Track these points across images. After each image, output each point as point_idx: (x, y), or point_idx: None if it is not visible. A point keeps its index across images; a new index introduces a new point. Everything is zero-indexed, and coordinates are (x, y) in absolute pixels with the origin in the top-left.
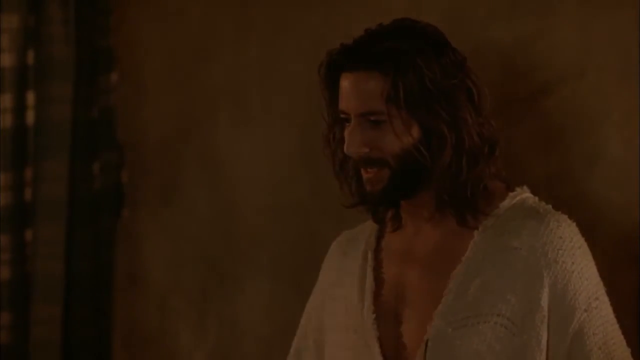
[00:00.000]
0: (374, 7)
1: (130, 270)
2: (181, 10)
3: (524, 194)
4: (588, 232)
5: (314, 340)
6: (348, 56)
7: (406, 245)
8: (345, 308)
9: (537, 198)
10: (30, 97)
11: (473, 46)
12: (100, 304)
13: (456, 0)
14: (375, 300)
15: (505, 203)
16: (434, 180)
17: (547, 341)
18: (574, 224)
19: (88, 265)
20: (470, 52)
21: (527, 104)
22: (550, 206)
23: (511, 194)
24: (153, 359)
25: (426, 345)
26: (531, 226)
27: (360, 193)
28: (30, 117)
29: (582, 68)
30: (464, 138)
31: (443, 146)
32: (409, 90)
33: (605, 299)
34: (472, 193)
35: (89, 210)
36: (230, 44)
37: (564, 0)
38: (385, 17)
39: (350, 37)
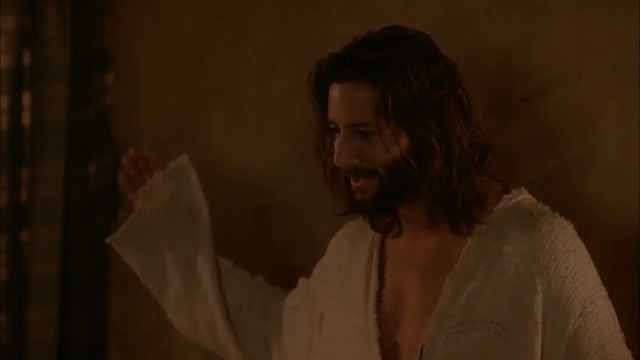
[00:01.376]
0: (370, 8)
1: (126, 271)
2: (177, 12)
3: (520, 196)
4: (584, 234)
5: (307, 305)
6: (337, 66)
7: (406, 250)
8: (354, 304)
9: (534, 199)
10: (26, 98)
11: (468, 47)
12: (96, 305)
13: (452, 1)
14: (377, 301)
15: (500, 206)
16: (424, 190)
17: (542, 347)
18: (570, 225)
19: (84, 266)
20: (466, 53)
21: (523, 105)
22: (547, 207)
23: (506, 196)
24: (149, 359)
25: (421, 352)
26: (523, 231)
27: (351, 202)
28: (26, 118)
29: (577, 69)
30: (454, 148)
31: (432, 157)
32: (398, 101)
33: (603, 302)
34: (463, 202)
35: (85, 211)
36: (226, 45)
37: (560, 1)
38: (381, 18)
39: (346, 38)
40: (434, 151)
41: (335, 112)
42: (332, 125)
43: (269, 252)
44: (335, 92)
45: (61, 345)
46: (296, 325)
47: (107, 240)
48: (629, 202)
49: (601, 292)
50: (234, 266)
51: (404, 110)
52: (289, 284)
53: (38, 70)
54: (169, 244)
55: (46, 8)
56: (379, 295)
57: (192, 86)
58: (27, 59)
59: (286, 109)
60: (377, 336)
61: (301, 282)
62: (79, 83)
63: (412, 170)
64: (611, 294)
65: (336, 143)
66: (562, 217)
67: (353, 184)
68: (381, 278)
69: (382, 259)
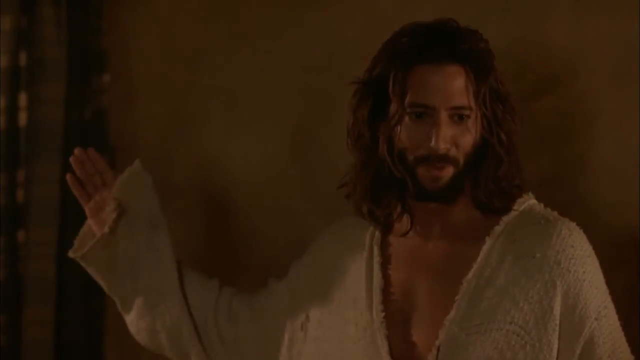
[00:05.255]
0: (367, 9)
1: None
2: (173, 12)
3: (530, 201)
4: None
5: (286, 305)
6: (433, 49)
7: (415, 249)
8: (350, 303)
9: (541, 205)
10: (23, 99)
11: None
12: (93, 306)
13: (449, 2)
14: (384, 299)
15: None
16: (481, 182)
17: (557, 349)
18: (582, 231)
19: (80, 267)
20: None
21: (520, 105)
22: (556, 213)
23: (519, 200)
24: None
25: (438, 350)
26: (544, 234)
27: (419, 187)
28: (22, 118)
29: (574, 69)
30: (513, 142)
31: (512, 146)
32: (489, 89)
33: (611, 306)
34: (511, 196)
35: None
36: (223, 46)
37: (557, 2)
38: (378, 19)
39: (344, 39)
40: (505, 142)
41: (434, 94)
42: (416, 109)
43: (266, 251)
44: (432, 74)
45: (58, 345)
46: (273, 327)
47: (70, 254)
48: (626, 202)
49: (609, 297)
50: (192, 270)
51: (491, 99)
52: None
53: (34, 70)
54: (130, 255)
55: (42, 8)
56: (385, 293)
57: (188, 86)
58: (23, 59)
59: (284, 109)
60: (386, 334)
61: (274, 282)
62: (76, 83)
63: (486, 158)
64: (609, 294)
65: (435, 125)
66: (574, 223)
67: (431, 171)
68: (386, 275)
69: (385, 256)
